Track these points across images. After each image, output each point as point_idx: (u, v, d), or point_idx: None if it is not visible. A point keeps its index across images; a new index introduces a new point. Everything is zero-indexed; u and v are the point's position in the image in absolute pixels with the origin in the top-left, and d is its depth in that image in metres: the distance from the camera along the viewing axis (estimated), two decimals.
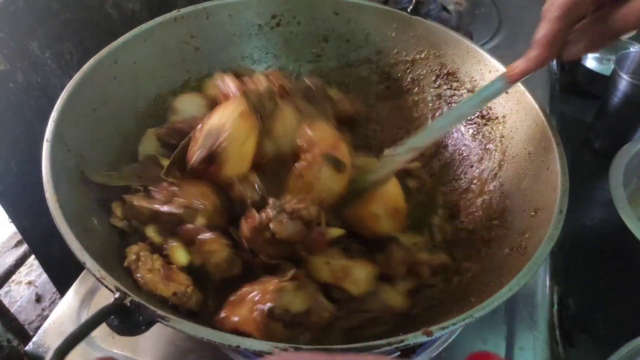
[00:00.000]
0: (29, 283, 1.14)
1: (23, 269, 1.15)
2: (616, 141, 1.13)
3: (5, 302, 1.03)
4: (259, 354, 0.44)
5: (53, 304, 1.09)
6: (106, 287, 0.47)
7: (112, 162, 0.72)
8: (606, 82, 1.18)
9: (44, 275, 1.11)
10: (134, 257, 0.57)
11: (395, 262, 0.64)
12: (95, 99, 0.72)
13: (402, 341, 0.46)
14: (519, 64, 0.62)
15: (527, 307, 0.78)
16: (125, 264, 0.57)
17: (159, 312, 0.45)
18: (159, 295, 0.55)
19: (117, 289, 0.47)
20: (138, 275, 0.56)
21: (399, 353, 0.67)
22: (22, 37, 0.80)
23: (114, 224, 0.64)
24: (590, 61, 1.49)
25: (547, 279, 0.83)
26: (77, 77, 0.69)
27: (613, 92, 1.16)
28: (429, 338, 0.46)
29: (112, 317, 0.45)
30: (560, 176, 0.63)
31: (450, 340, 0.73)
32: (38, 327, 1.03)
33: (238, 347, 0.44)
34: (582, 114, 1.33)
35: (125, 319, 0.45)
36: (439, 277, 0.67)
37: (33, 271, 1.17)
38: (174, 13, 0.82)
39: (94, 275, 0.48)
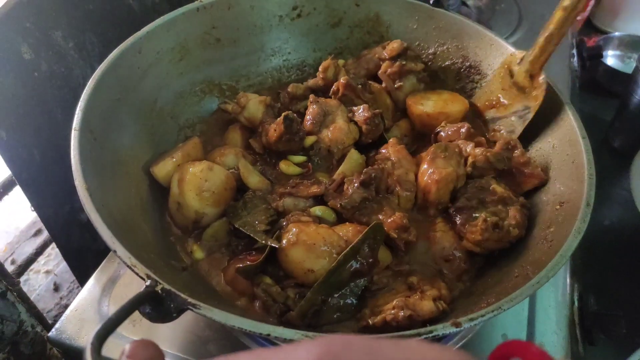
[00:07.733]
0: (48, 272, 1.15)
1: (41, 259, 1.16)
2: (636, 140, 1.11)
3: (24, 290, 1.04)
4: (289, 342, 0.44)
5: (71, 293, 1.10)
6: (137, 274, 0.48)
7: (136, 152, 0.73)
8: (627, 80, 1.16)
9: (62, 265, 1.12)
10: None
11: None
12: (120, 88, 0.72)
13: (431, 332, 0.46)
14: None
15: (548, 304, 0.77)
16: None
17: (190, 299, 0.46)
18: None
19: (148, 277, 0.47)
20: None
21: None
22: (47, 28, 0.80)
23: None
24: (611, 59, 1.46)
25: (568, 276, 0.83)
26: (102, 66, 0.69)
27: (634, 90, 1.13)
28: (458, 329, 0.46)
29: (144, 304, 0.45)
30: (587, 169, 0.62)
31: (470, 336, 0.73)
32: (56, 316, 1.04)
33: (269, 335, 0.44)
34: (601, 113, 1.31)
35: (157, 306, 0.45)
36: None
37: (51, 260, 1.17)
38: (197, 3, 0.82)
39: (125, 263, 0.49)
